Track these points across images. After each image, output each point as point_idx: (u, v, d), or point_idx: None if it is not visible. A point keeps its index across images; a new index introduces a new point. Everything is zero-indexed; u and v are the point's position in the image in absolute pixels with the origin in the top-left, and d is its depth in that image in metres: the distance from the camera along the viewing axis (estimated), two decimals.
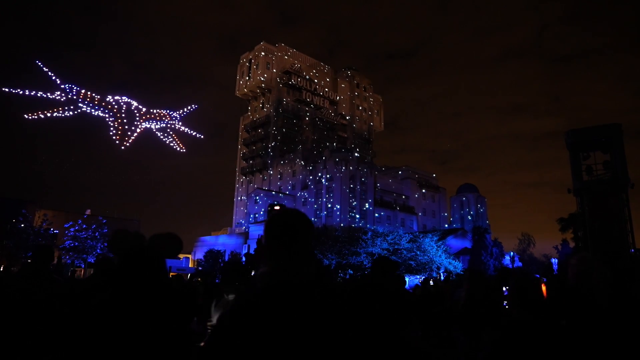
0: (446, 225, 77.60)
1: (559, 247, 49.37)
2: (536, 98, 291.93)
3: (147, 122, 29.79)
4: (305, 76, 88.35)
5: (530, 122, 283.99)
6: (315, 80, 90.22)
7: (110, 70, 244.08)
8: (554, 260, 47.93)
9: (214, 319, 3.48)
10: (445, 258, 42.50)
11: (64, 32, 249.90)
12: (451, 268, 41.59)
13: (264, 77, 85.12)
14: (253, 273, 2.13)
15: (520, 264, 53.30)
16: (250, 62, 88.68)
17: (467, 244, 54.79)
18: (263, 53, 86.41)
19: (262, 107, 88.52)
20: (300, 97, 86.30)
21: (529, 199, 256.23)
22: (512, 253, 45.86)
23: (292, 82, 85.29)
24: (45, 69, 26.13)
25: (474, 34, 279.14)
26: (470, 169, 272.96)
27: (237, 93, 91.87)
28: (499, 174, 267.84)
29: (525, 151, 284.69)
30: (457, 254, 50.78)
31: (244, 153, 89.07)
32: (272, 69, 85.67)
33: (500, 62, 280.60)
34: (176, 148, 31.54)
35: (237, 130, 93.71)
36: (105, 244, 38.54)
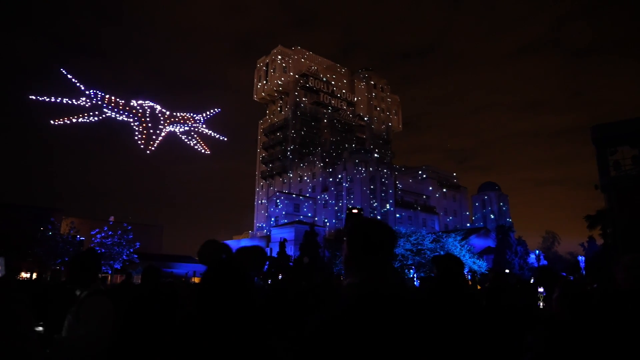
0: (468, 225, 76.83)
1: (585, 244, 48.47)
2: (555, 93, 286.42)
3: (171, 126, 30.04)
4: (322, 78, 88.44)
5: (550, 118, 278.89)
6: (332, 82, 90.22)
7: (126, 77, 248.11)
8: (581, 258, 47.10)
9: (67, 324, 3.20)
10: (470, 258, 42.09)
11: (79, 40, 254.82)
12: (475, 268, 41.19)
13: (281, 80, 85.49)
14: (346, 283, 2.06)
15: (545, 262, 52.49)
16: (267, 66, 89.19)
17: (491, 243, 54.19)
18: (279, 57, 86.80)
19: (280, 111, 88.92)
20: (318, 99, 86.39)
21: (552, 196, 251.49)
22: (537, 251, 45.15)
23: (309, 85, 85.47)
24: (69, 76, 26.55)
25: (488, 30, 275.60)
26: (490, 167, 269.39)
27: (255, 97, 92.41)
28: (519, 172, 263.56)
29: (545, 148, 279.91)
30: (481, 253, 50.27)
31: (263, 157, 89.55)
32: (289, 73, 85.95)
33: (516, 58, 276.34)
34: (200, 150, 31.77)
35: (255, 134, 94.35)
36: (131, 250, 39.25)
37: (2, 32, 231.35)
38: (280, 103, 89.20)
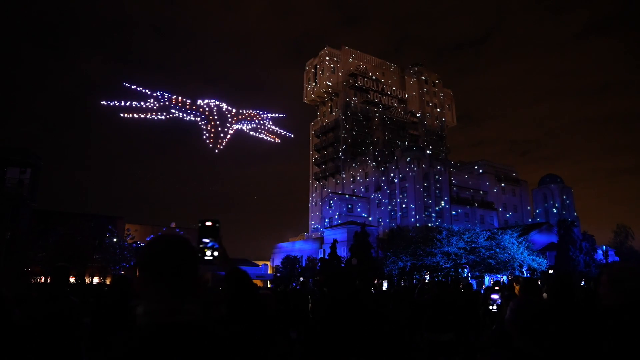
0: (529, 220, 73.41)
1: None
2: (628, 74, 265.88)
3: (238, 123, 30.59)
4: (372, 77, 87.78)
5: (623, 101, 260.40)
6: (382, 80, 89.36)
7: (184, 88, 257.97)
8: None
9: None
10: (528, 255, 40.07)
11: (137, 56, 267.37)
12: (535, 265, 39.18)
13: (330, 81, 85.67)
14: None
15: (617, 258, 49.31)
16: (315, 68, 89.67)
17: (554, 238, 51.47)
18: (327, 58, 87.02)
19: (331, 112, 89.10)
20: (368, 98, 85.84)
21: (626, 186, 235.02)
22: (604, 247, 42.32)
23: (358, 84, 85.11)
24: (133, 86, 27.77)
25: (550, 11, 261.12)
26: (555, 158, 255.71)
27: (305, 100, 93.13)
28: (589, 161, 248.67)
29: (618, 134, 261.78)
30: (543, 250, 47.88)
31: (315, 158, 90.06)
32: (338, 73, 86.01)
33: (582, 39, 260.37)
34: (269, 140, 32.21)
35: (307, 136, 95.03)
36: None
37: (68, 52, 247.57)
38: (331, 104, 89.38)
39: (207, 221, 2.28)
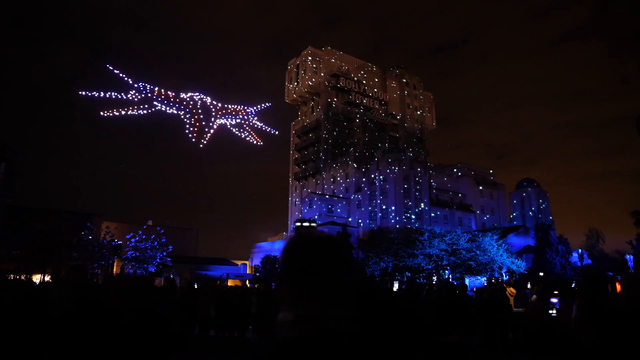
0: (507, 223, 74.73)
1: (634, 242, 46.14)
2: (601, 82, 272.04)
3: (222, 118, 29.74)
4: (354, 78, 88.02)
5: (596, 108, 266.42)
6: (364, 82, 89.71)
7: (163, 84, 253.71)
8: (629, 257, 44.95)
9: None
10: (507, 257, 40.78)
11: (115, 51, 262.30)
12: (514, 267, 39.86)
13: (312, 81, 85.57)
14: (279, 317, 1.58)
15: (589, 261, 50.47)
16: (297, 68, 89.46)
17: (530, 241, 52.53)
18: (310, 58, 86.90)
19: (312, 112, 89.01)
20: (349, 99, 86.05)
21: (597, 191, 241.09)
22: (579, 250, 43.33)
23: (340, 85, 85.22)
24: (115, 71, 26.83)
25: (528, 17, 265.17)
26: (530, 162, 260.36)
27: (287, 99, 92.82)
28: (562, 166, 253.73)
29: (590, 140, 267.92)
30: (520, 253, 48.78)
31: (296, 158, 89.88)
32: (320, 73, 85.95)
33: (558, 46, 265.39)
34: (253, 141, 31.41)
35: (288, 136, 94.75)
36: (164, 253, 40.07)
37: (45, 44, 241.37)
38: (312, 104, 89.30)
39: (305, 221, 2.19)
